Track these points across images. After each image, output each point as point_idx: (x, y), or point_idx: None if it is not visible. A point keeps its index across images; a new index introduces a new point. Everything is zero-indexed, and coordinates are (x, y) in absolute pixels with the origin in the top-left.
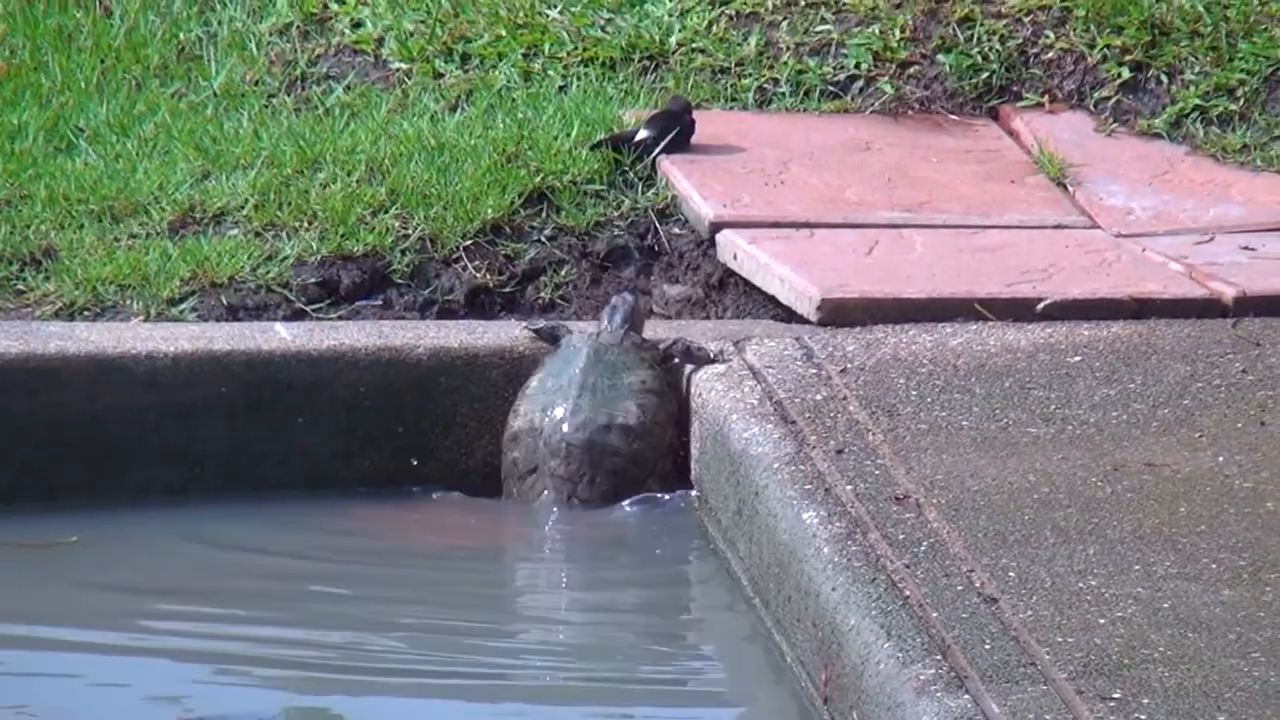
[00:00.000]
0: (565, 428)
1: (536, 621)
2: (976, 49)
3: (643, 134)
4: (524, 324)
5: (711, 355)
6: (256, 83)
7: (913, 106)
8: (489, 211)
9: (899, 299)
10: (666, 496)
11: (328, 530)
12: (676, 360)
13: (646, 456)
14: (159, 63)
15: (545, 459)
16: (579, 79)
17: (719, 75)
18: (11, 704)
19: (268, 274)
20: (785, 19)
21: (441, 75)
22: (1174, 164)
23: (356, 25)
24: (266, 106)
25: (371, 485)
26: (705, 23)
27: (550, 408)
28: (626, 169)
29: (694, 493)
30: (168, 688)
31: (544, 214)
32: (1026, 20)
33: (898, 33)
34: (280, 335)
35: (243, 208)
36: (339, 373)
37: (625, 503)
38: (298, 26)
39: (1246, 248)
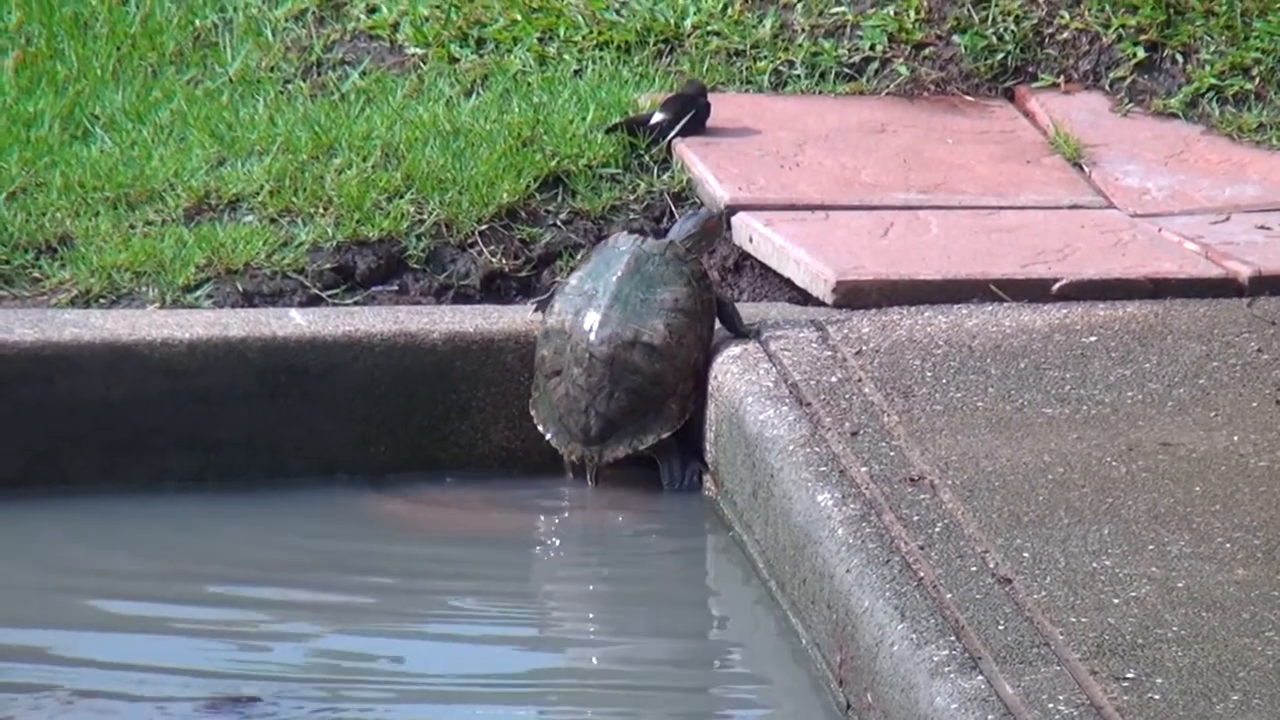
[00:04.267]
0: (591, 337)
1: (553, 605)
2: (991, 30)
3: (658, 117)
4: (530, 303)
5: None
6: (272, 69)
7: (928, 88)
8: (504, 196)
9: (914, 280)
10: (678, 471)
11: (345, 516)
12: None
13: (667, 378)
14: (175, 49)
15: (569, 365)
16: (594, 63)
17: (734, 58)
18: (40, 683)
19: (283, 260)
20: (800, 1)
21: (457, 60)
22: (1189, 143)
23: (372, 10)
24: (282, 92)
25: (388, 470)
26: (720, 5)
27: (582, 312)
28: (642, 152)
29: (708, 477)
30: (193, 668)
31: (559, 198)
32: (1041, 0)
33: (912, 14)
34: (296, 321)
35: (258, 194)
36: (355, 358)
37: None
38: (313, 12)
39: (1262, 227)
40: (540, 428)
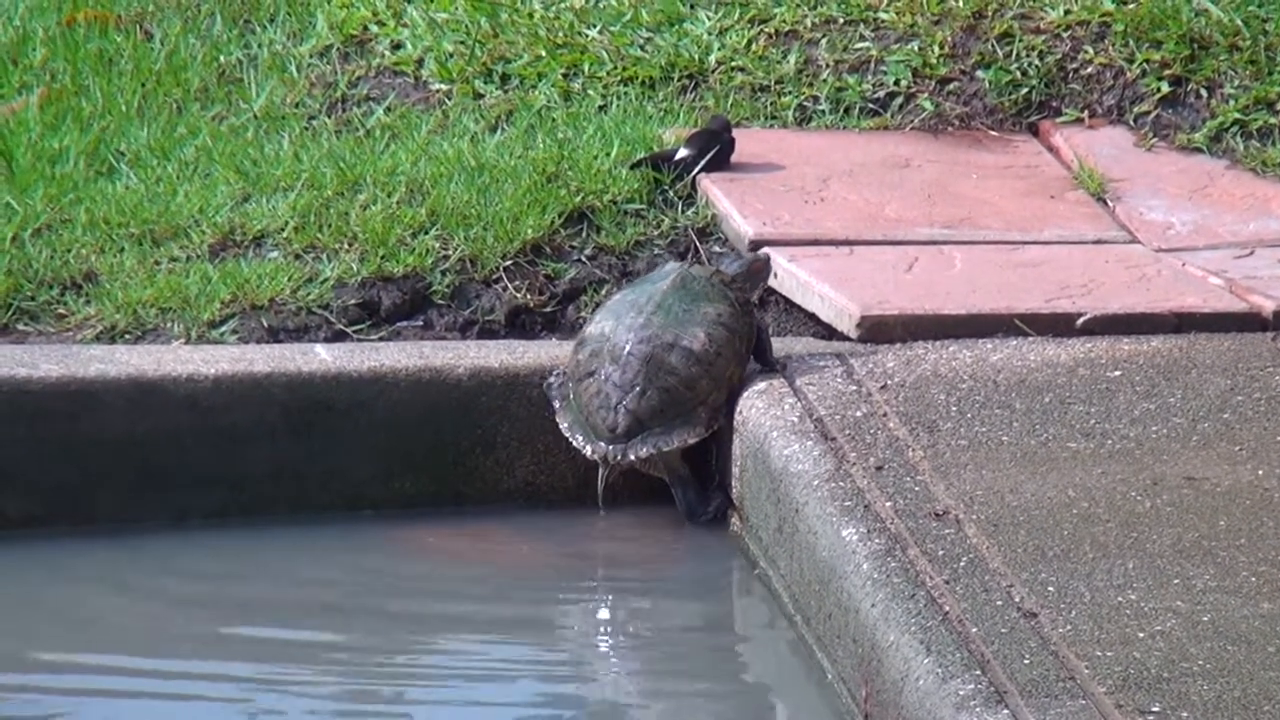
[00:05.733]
0: (631, 338)
1: (577, 637)
2: (1016, 65)
3: (682, 153)
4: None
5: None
6: (297, 105)
7: (952, 123)
8: (529, 231)
9: (939, 315)
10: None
11: (370, 552)
12: (755, 306)
13: (701, 384)
14: (199, 86)
15: (605, 363)
16: (619, 98)
17: (758, 93)
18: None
19: (308, 296)
20: (824, 37)
21: (481, 96)
22: (1214, 178)
23: (396, 47)
24: (307, 129)
25: (413, 505)
26: (744, 41)
27: (623, 317)
28: (666, 188)
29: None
30: (216, 706)
31: (584, 233)
32: (1065, 36)
33: (937, 49)
34: (321, 357)
35: (283, 230)
36: (380, 394)
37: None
38: (338, 48)
39: None
40: (566, 433)
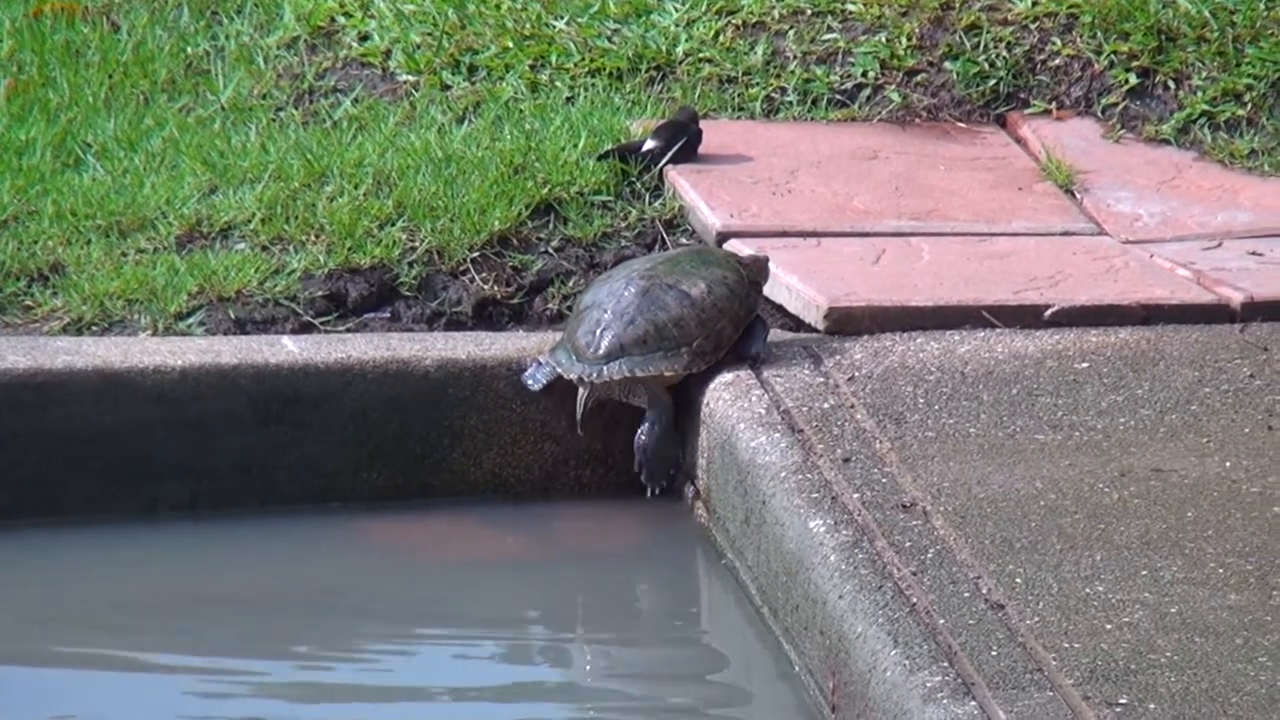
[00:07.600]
0: (634, 278)
1: (543, 630)
2: (983, 56)
3: (650, 144)
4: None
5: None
6: (264, 96)
7: (920, 115)
8: (496, 223)
9: (906, 307)
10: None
11: (338, 543)
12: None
13: (691, 327)
14: (166, 77)
15: (604, 298)
16: (586, 90)
17: (726, 85)
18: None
19: (275, 287)
20: (792, 28)
21: (449, 87)
22: (1182, 170)
23: (364, 38)
24: (274, 120)
25: (381, 497)
26: (712, 32)
27: (631, 268)
28: (634, 179)
29: (700, 504)
30: (183, 700)
31: (551, 225)
32: (1033, 27)
33: (904, 41)
34: (288, 348)
35: (250, 221)
36: (347, 385)
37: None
38: (305, 40)
39: (1254, 253)
40: (550, 362)
